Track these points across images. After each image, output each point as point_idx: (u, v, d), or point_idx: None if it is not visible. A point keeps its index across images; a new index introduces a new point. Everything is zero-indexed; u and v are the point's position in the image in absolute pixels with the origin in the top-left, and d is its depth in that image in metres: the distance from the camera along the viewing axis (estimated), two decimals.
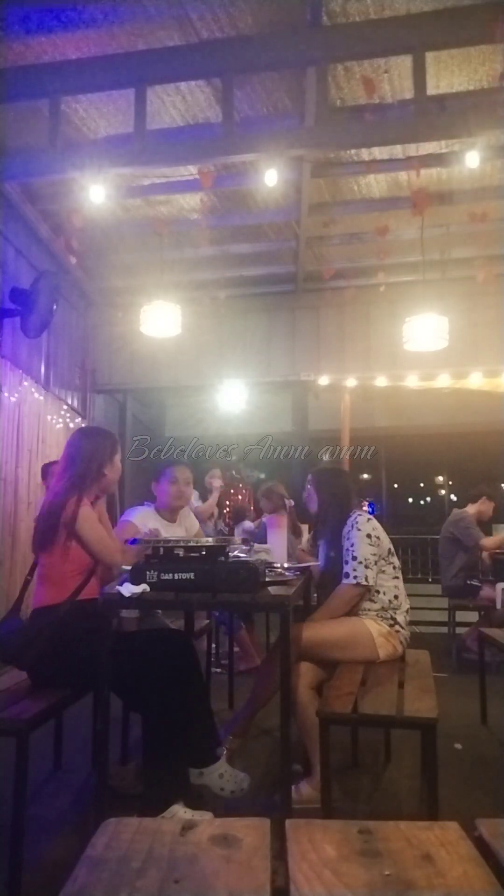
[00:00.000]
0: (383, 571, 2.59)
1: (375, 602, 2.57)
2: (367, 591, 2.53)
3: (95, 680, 2.08)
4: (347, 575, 2.52)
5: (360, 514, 2.65)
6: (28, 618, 2.33)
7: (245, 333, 6.58)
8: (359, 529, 2.58)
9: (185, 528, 3.04)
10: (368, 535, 2.57)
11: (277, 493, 4.94)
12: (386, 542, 2.63)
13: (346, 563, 2.54)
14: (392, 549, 2.67)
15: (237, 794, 2.21)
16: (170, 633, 2.59)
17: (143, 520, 2.83)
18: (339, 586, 2.54)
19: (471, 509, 5.17)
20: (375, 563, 2.54)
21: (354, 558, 2.52)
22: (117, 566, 2.32)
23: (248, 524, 5.64)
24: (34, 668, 2.22)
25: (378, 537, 2.59)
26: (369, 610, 2.56)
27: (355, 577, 2.50)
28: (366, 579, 2.50)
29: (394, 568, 2.64)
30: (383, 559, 2.59)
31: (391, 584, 2.60)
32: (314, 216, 5.32)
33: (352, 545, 2.55)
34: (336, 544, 2.65)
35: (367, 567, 2.51)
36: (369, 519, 2.64)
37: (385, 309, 6.04)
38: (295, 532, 4.84)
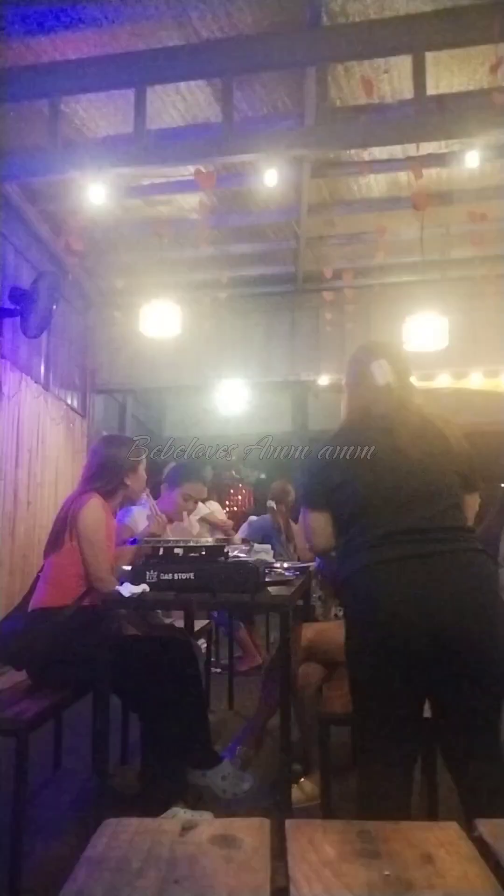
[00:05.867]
0: None
1: None
2: None
3: (94, 681, 2.07)
4: None
5: None
6: (26, 617, 2.32)
7: (245, 333, 6.57)
8: None
9: (182, 529, 3.03)
10: None
11: (278, 493, 4.91)
12: None
13: None
14: None
15: (238, 795, 2.22)
16: (169, 635, 2.59)
17: (137, 521, 2.81)
18: None
19: None
20: None
21: None
22: (104, 581, 2.25)
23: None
24: (32, 669, 2.22)
25: None
26: None
27: None
28: None
29: None
30: None
31: None
32: (314, 216, 5.31)
33: None
34: None
35: None
36: None
37: (385, 309, 6.02)
38: (287, 536, 4.81)
